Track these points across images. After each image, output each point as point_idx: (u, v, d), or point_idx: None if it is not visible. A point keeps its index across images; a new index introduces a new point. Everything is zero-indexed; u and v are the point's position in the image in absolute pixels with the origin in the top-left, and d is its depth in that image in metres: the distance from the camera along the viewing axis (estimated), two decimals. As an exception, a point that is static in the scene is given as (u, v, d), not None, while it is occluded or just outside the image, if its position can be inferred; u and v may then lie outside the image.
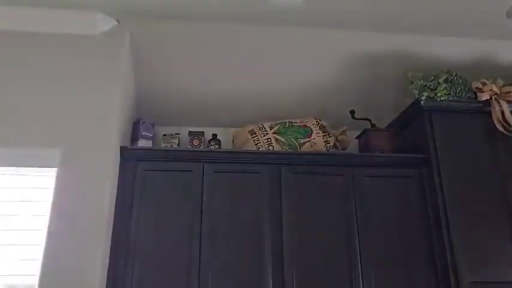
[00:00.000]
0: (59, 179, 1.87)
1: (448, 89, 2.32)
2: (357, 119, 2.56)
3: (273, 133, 2.38)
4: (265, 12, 2.14)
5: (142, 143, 2.38)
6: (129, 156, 2.14)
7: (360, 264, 2.06)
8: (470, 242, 2.08)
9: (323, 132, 2.42)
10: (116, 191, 2.04)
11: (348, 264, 2.06)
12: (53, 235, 1.78)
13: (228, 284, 1.98)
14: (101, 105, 2.04)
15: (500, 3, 2.13)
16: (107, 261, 1.91)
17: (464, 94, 2.36)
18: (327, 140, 2.41)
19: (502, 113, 2.31)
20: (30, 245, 1.82)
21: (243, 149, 2.37)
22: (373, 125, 2.55)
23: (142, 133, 2.40)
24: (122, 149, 2.12)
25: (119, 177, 2.08)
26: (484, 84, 2.37)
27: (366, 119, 2.56)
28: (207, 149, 2.36)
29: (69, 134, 1.96)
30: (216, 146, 2.49)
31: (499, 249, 2.10)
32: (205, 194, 2.11)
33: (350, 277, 2.04)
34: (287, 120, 2.46)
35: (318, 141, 2.39)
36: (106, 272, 1.89)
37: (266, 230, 2.07)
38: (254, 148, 2.34)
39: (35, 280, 1.73)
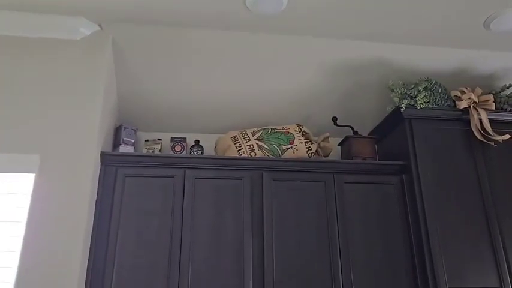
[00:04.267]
0: (37, 184, 1.85)
1: (428, 97, 2.35)
2: (339, 125, 2.58)
3: (256, 139, 2.38)
4: (247, 20, 2.15)
5: (124, 149, 2.36)
6: (109, 162, 2.12)
7: (340, 270, 2.07)
8: (450, 248, 2.10)
9: (305, 139, 2.43)
10: (95, 196, 2.02)
11: (329, 270, 2.07)
12: (29, 241, 1.75)
13: (209, 289, 1.97)
14: (81, 111, 2.02)
15: (478, 14, 2.17)
16: (86, 267, 1.88)
17: (443, 102, 2.39)
18: (309, 147, 2.42)
19: (480, 121, 2.35)
20: (5, 252, 1.78)
21: (226, 155, 2.37)
22: (355, 132, 2.57)
23: (124, 139, 2.39)
24: (102, 154, 2.10)
25: (99, 183, 2.07)
26: (462, 92, 2.41)
27: (348, 126, 2.58)
28: (188, 155, 2.35)
29: (48, 139, 1.93)
30: (199, 152, 2.48)
31: (478, 255, 2.12)
32: (186, 200, 2.10)
33: (331, 283, 2.04)
34: (269, 127, 2.47)
35: (300, 148, 2.40)
36: (84, 278, 1.87)
37: (247, 236, 2.07)
38: (236, 154, 2.34)
39: (10, 288, 1.70)
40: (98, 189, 2.04)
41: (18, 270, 1.71)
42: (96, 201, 2.01)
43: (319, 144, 2.49)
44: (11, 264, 1.75)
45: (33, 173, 1.87)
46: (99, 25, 2.18)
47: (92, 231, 1.96)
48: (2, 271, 1.74)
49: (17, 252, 1.75)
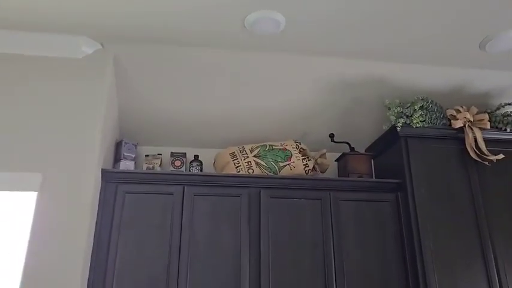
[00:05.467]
0: (40, 203, 1.89)
1: (424, 116, 2.39)
2: (336, 142, 2.62)
3: (254, 156, 2.42)
4: (246, 40, 2.19)
5: (124, 164, 2.40)
6: (110, 179, 2.17)
7: (335, 286, 2.11)
8: (442, 264, 2.14)
9: (302, 156, 2.47)
10: (96, 213, 2.06)
11: (324, 286, 2.11)
12: (32, 258, 1.80)
13: (206, 305, 2.02)
14: (83, 129, 2.06)
15: (474, 36, 2.20)
16: (86, 282, 1.93)
17: (439, 121, 2.43)
18: (306, 164, 2.46)
19: (475, 140, 2.39)
20: (8, 269, 1.82)
21: (224, 171, 2.41)
22: (352, 149, 2.61)
23: (125, 154, 2.43)
24: (103, 171, 2.14)
25: (100, 200, 2.11)
26: (458, 111, 2.45)
27: (345, 143, 2.62)
28: (188, 172, 2.39)
29: (50, 158, 1.97)
30: (198, 168, 2.52)
31: (470, 270, 2.16)
32: (185, 217, 2.15)
33: (326, 299, 2.09)
34: (267, 143, 2.51)
35: (297, 165, 2.43)
36: (85, 293, 1.91)
37: (244, 253, 2.12)
38: (234, 171, 2.38)
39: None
40: (98, 205, 2.09)
41: (21, 286, 1.75)
42: (96, 217, 2.06)
43: (316, 160, 2.53)
44: (14, 281, 1.79)
45: (35, 191, 1.91)
46: (101, 44, 2.23)
47: (93, 247, 2.01)
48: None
49: (19, 269, 1.79)
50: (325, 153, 2.57)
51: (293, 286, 2.10)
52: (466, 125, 2.41)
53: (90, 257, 1.98)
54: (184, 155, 2.56)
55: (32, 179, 1.92)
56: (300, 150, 2.48)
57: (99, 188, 2.12)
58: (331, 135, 2.62)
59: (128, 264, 2.03)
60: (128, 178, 2.20)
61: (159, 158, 2.53)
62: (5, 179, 1.91)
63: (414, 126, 2.38)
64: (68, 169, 1.97)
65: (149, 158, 2.52)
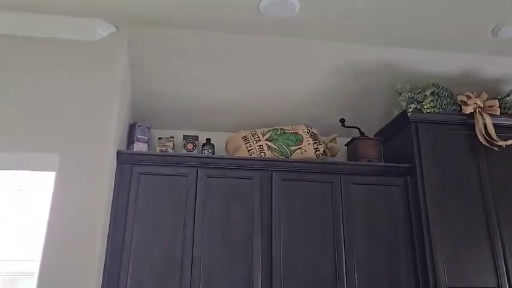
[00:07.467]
0: (58, 182, 1.93)
1: (434, 101, 2.40)
2: (346, 127, 2.64)
3: (266, 140, 2.46)
4: (260, 24, 2.20)
5: (138, 146, 2.44)
6: (125, 160, 2.21)
7: (344, 267, 2.17)
8: (451, 249, 2.18)
9: (313, 140, 2.50)
10: (112, 193, 2.11)
11: (334, 267, 2.17)
12: (51, 236, 1.84)
13: (219, 284, 2.07)
14: (98, 111, 2.09)
15: (487, 22, 2.21)
16: (103, 258, 1.98)
17: (449, 107, 2.45)
18: (317, 148, 2.49)
19: (485, 125, 2.41)
20: (29, 245, 1.88)
21: (236, 154, 2.45)
22: (362, 133, 2.64)
23: (138, 136, 2.47)
24: (119, 153, 2.18)
25: (115, 181, 2.15)
26: (468, 97, 2.47)
27: (355, 127, 2.65)
28: (201, 155, 2.43)
29: (67, 139, 2.01)
30: (210, 151, 2.55)
31: (478, 256, 2.21)
32: (198, 198, 2.19)
33: (335, 281, 2.14)
34: (279, 127, 2.54)
35: (308, 149, 2.47)
36: (102, 273, 1.96)
37: (257, 234, 2.17)
38: (247, 154, 2.41)
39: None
40: (114, 186, 2.13)
41: (41, 263, 1.81)
42: (112, 198, 2.11)
43: (326, 144, 2.56)
44: (34, 257, 1.85)
45: (53, 171, 1.95)
46: (116, 27, 2.24)
47: (109, 226, 2.06)
48: (26, 264, 1.84)
49: (40, 246, 1.85)
50: (335, 138, 2.60)
51: (304, 266, 2.15)
52: (476, 111, 2.43)
53: (107, 236, 2.03)
54: (196, 138, 2.59)
55: (50, 159, 1.96)
56: (311, 135, 2.51)
57: (115, 169, 2.16)
58: (342, 120, 2.64)
59: (144, 243, 2.08)
60: (143, 160, 2.24)
61: (171, 141, 2.56)
62: (24, 159, 1.95)
63: (425, 112, 2.40)
64: (84, 150, 2.01)
65: (162, 140, 2.56)
